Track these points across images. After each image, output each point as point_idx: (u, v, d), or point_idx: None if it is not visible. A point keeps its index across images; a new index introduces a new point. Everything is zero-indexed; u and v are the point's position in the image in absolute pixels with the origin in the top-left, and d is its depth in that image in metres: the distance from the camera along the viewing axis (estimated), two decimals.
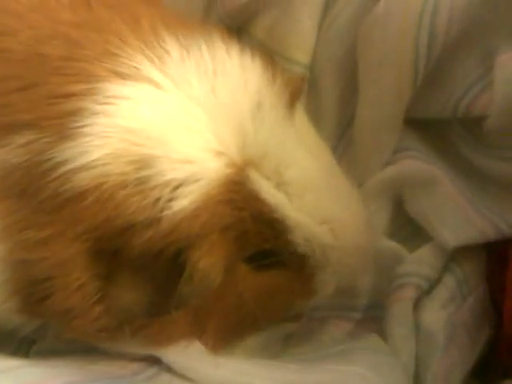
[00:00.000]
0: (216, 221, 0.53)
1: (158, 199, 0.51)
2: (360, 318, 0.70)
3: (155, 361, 0.59)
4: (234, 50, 0.57)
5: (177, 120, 0.53)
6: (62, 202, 0.52)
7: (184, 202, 0.51)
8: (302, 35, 0.75)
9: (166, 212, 0.51)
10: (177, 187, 0.51)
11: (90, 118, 0.52)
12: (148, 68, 0.54)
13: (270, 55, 0.62)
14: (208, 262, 0.52)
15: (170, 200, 0.51)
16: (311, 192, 0.56)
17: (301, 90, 0.62)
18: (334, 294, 0.63)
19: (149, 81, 0.54)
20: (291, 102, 0.58)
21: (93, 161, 0.51)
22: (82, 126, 0.52)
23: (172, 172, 0.51)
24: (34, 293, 0.54)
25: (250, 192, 0.54)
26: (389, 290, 0.69)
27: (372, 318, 0.70)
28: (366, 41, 0.70)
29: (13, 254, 0.54)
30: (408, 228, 0.73)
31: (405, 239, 0.73)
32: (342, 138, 0.76)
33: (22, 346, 0.65)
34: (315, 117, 0.66)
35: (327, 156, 0.63)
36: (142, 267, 0.52)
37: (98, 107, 0.52)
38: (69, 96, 0.53)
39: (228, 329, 0.61)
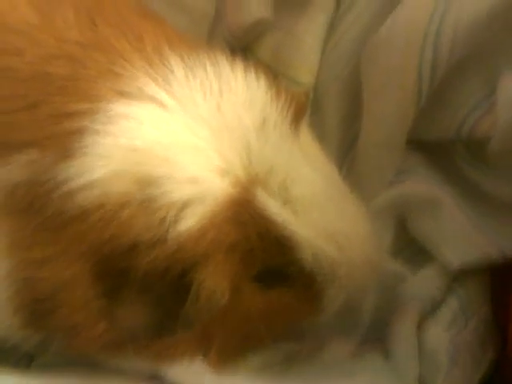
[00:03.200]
0: (222, 240, 0.52)
1: (163, 219, 0.51)
2: (362, 337, 0.70)
3: (158, 378, 0.58)
4: (239, 68, 0.57)
5: (181, 139, 0.53)
6: (65, 220, 0.51)
7: (190, 222, 0.51)
8: (305, 56, 0.76)
9: (171, 232, 0.50)
10: (182, 208, 0.51)
11: (92, 137, 0.52)
12: (152, 87, 0.54)
13: (274, 73, 0.61)
14: (214, 282, 0.52)
15: (176, 220, 0.51)
16: (318, 208, 0.56)
17: (305, 107, 0.62)
18: (338, 312, 0.63)
19: (153, 100, 0.54)
20: (296, 119, 0.58)
21: (95, 180, 0.51)
22: (85, 146, 0.52)
23: (177, 192, 0.51)
24: (38, 309, 0.54)
25: (255, 210, 0.54)
26: (392, 309, 0.69)
27: (374, 337, 0.70)
28: (370, 61, 0.70)
29: (17, 271, 0.54)
30: (411, 248, 0.73)
31: (408, 259, 0.72)
32: (346, 158, 0.76)
33: (23, 360, 0.65)
34: (319, 137, 0.66)
35: (333, 172, 0.63)
36: (148, 287, 0.52)
37: (101, 126, 0.52)
38: (72, 115, 0.53)
39: (232, 346, 0.61)
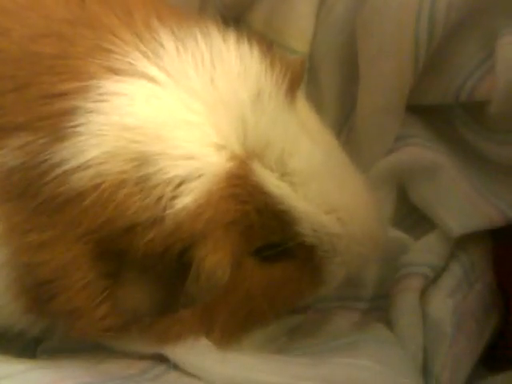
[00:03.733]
0: (220, 217, 0.52)
1: (160, 198, 0.50)
2: (366, 308, 0.70)
3: (162, 359, 0.58)
4: (231, 39, 0.56)
5: (175, 115, 0.52)
6: (61, 203, 0.51)
7: (187, 199, 0.50)
8: (299, 23, 0.75)
9: (168, 210, 0.50)
10: (179, 185, 0.50)
11: (84, 116, 0.51)
12: (143, 62, 0.53)
13: (268, 42, 0.60)
14: (214, 260, 0.52)
15: (173, 198, 0.50)
16: (316, 180, 0.55)
17: (301, 76, 0.61)
18: (340, 284, 0.63)
19: (144, 76, 0.53)
20: (292, 89, 0.57)
21: (89, 160, 0.50)
22: (77, 125, 0.51)
23: (173, 169, 0.50)
24: (40, 294, 0.54)
25: (253, 185, 0.53)
26: (394, 279, 0.69)
27: (378, 307, 0.70)
28: (365, 29, 0.69)
29: (16, 256, 0.53)
30: (412, 216, 0.73)
31: (409, 228, 0.72)
32: (344, 126, 0.75)
33: (29, 345, 0.65)
34: (316, 106, 0.65)
35: (331, 143, 0.62)
36: (148, 267, 0.52)
37: (92, 105, 0.51)
38: (62, 95, 0.52)
39: (236, 324, 0.60)
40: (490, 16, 0.65)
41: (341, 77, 0.75)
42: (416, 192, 0.71)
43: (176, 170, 0.50)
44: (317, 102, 0.72)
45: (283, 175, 0.54)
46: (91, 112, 0.51)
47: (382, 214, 0.66)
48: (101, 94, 0.51)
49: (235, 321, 0.60)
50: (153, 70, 0.53)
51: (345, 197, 0.57)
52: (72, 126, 0.51)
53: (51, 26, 0.55)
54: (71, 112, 0.51)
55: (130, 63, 0.53)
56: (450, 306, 0.66)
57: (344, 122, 0.75)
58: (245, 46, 0.56)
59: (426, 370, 0.64)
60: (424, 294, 0.67)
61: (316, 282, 0.61)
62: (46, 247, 0.52)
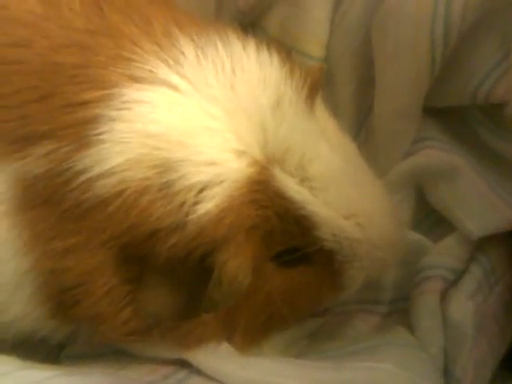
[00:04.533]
0: (241, 222, 0.52)
1: (182, 203, 0.51)
2: (386, 311, 0.70)
3: (185, 364, 0.59)
4: (251, 46, 0.56)
5: (196, 121, 0.52)
6: (85, 210, 0.52)
7: (209, 204, 0.51)
8: (314, 28, 0.75)
9: (191, 216, 0.50)
10: (201, 190, 0.51)
11: (107, 124, 0.52)
12: (163, 70, 0.54)
13: (287, 49, 0.60)
14: (235, 264, 0.52)
15: (195, 204, 0.51)
16: (336, 186, 0.56)
17: (320, 82, 0.61)
18: (360, 288, 0.63)
19: (165, 83, 0.53)
20: (311, 96, 0.57)
21: (113, 167, 0.51)
22: (100, 133, 0.51)
23: (195, 175, 0.51)
24: (64, 300, 0.54)
25: (274, 190, 0.54)
26: (414, 282, 0.68)
27: (398, 311, 0.70)
28: (380, 32, 0.69)
29: (41, 263, 0.54)
30: (431, 218, 0.72)
31: (428, 230, 0.72)
32: (361, 129, 0.75)
33: (53, 351, 0.65)
34: (333, 110, 0.65)
35: (350, 148, 0.62)
36: (170, 271, 0.52)
37: (115, 113, 0.52)
38: (85, 104, 0.52)
39: (256, 328, 0.61)
40: (506, 17, 0.65)
41: (357, 81, 0.75)
42: (434, 194, 0.71)
43: (198, 176, 0.51)
44: (333, 106, 0.72)
45: (303, 180, 0.55)
46: (114, 120, 0.51)
47: (400, 218, 0.66)
48: (123, 102, 0.52)
49: (256, 325, 0.60)
50: (174, 78, 0.53)
51: (364, 202, 0.58)
52: (95, 134, 0.51)
53: (72, 36, 0.55)
54: (94, 120, 0.52)
55: (151, 71, 0.53)
56: (470, 308, 0.66)
57: (361, 126, 0.76)
58: (264, 53, 0.56)
59: (447, 373, 0.63)
60: (444, 296, 0.67)
61: (336, 287, 0.61)
62: (71, 253, 0.53)
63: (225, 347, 0.59)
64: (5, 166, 0.54)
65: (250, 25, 0.77)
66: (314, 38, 0.75)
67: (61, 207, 0.52)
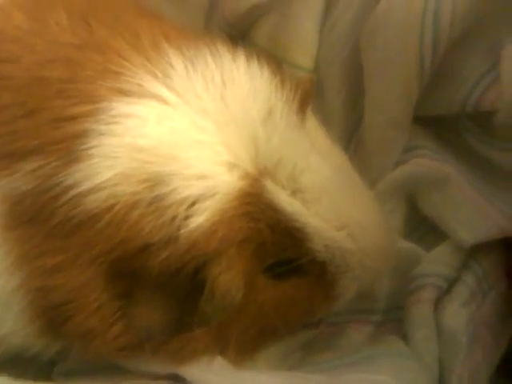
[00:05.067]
0: (233, 235, 0.52)
1: (173, 217, 0.50)
2: (379, 320, 0.69)
3: (178, 379, 0.58)
4: (241, 57, 0.56)
5: (186, 134, 0.52)
6: (74, 226, 0.51)
7: (200, 218, 0.50)
8: (303, 39, 0.75)
9: (182, 230, 0.50)
10: (192, 204, 0.50)
11: (96, 138, 0.51)
12: (152, 83, 0.53)
13: (277, 60, 0.60)
14: (228, 278, 0.52)
15: (186, 217, 0.50)
16: (328, 197, 0.56)
17: (310, 94, 0.61)
18: (352, 299, 0.62)
19: (154, 96, 0.53)
20: (302, 107, 0.57)
21: (102, 182, 0.50)
22: (89, 148, 0.51)
23: (186, 189, 0.50)
24: (54, 317, 0.54)
25: (265, 202, 0.53)
26: (407, 291, 0.68)
27: (392, 320, 0.69)
28: (369, 42, 0.69)
29: (30, 281, 0.53)
30: (423, 227, 0.72)
31: (420, 239, 0.72)
32: (351, 140, 0.75)
33: (45, 367, 0.65)
34: (323, 120, 0.65)
35: (341, 159, 0.62)
36: (162, 286, 0.52)
37: (104, 127, 0.51)
38: (73, 118, 0.52)
39: (250, 341, 0.60)
40: (495, 26, 0.65)
41: (346, 91, 0.75)
42: (426, 203, 0.71)
43: (189, 189, 0.50)
44: (323, 117, 0.72)
45: (295, 192, 0.55)
46: (103, 134, 0.51)
47: (392, 227, 0.66)
48: (112, 116, 0.51)
49: (249, 338, 0.60)
50: (163, 91, 0.53)
51: (355, 212, 0.58)
52: (84, 149, 0.51)
53: (59, 51, 0.55)
54: (83, 135, 0.51)
55: (140, 85, 0.53)
56: (464, 316, 0.66)
57: (351, 136, 0.75)
58: (255, 65, 0.56)
59: (442, 383, 0.63)
60: (438, 305, 0.67)
61: (328, 298, 0.61)
62: (60, 271, 0.52)
63: (218, 361, 0.59)
64: None
65: (239, 37, 0.76)
66: (303, 49, 0.75)
67: (49, 224, 0.51)
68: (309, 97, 0.60)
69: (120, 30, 0.56)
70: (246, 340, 0.60)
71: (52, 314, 0.54)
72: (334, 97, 0.75)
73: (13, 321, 0.55)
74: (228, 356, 0.59)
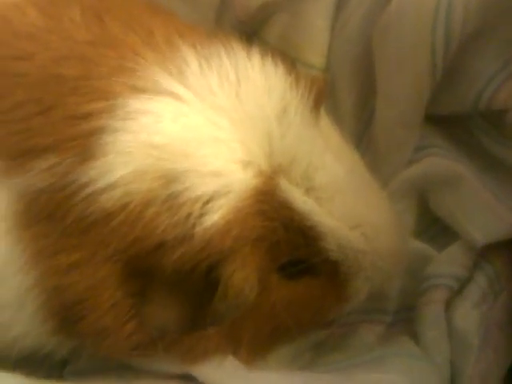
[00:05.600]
0: (247, 233, 0.52)
1: (188, 215, 0.50)
2: (391, 321, 0.69)
3: (190, 378, 0.58)
4: (255, 55, 0.56)
5: (201, 131, 0.52)
6: (89, 224, 0.51)
7: (215, 216, 0.50)
8: (314, 37, 0.75)
9: (197, 228, 0.50)
10: (207, 202, 0.50)
11: (111, 135, 0.51)
12: (167, 80, 0.53)
13: (290, 59, 0.60)
14: (241, 276, 0.51)
15: (201, 215, 0.50)
16: (341, 196, 0.55)
17: (324, 93, 0.60)
18: (364, 299, 0.62)
19: (169, 93, 0.53)
20: (316, 105, 0.57)
21: (117, 180, 0.50)
22: (104, 145, 0.51)
23: (201, 186, 0.50)
24: (68, 315, 0.54)
25: (279, 201, 0.53)
26: (419, 291, 0.68)
27: (403, 320, 0.69)
28: (381, 40, 0.69)
29: (45, 279, 0.53)
30: (435, 227, 0.72)
31: (432, 239, 0.72)
32: (362, 138, 0.75)
33: (56, 366, 0.64)
34: (334, 119, 0.65)
35: (354, 158, 0.62)
36: (176, 284, 0.51)
37: (119, 124, 0.51)
38: (88, 115, 0.52)
39: (262, 341, 0.60)
40: (507, 23, 0.65)
41: (357, 89, 0.75)
42: (437, 202, 0.71)
43: (204, 187, 0.50)
44: (334, 115, 0.72)
45: (309, 190, 0.54)
46: (118, 131, 0.51)
47: (404, 227, 0.66)
48: (127, 113, 0.51)
49: (261, 338, 0.60)
50: (178, 88, 0.53)
51: (369, 212, 0.57)
52: (99, 146, 0.51)
53: (73, 48, 0.55)
54: (98, 131, 0.51)
55: (155, 81, 0.53)
56: (475, 317, 0.65)
57: (362, 135, 0.75)
58: (269, 63, 0.56)
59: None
60: (449, 305, 0.67)
61: (340, 298, 0.61)
62: (75, 269, 0.52)
63: (230, 361, 0.58)
64: (7, 181, 0.53)
65: (250, 35, 0.76)
66: (315, 48, 0.75)
67: (64, 222, 0.51)
68: (322, 95, 0.59)
69: (134, 27, 0.56)
70: (257, 340, 0.60)
71: (66, 313, 0.54)
72: (345, 95, 0.75)
73: (27, 321, 0.55)
74: (240, 355, 0.59)
